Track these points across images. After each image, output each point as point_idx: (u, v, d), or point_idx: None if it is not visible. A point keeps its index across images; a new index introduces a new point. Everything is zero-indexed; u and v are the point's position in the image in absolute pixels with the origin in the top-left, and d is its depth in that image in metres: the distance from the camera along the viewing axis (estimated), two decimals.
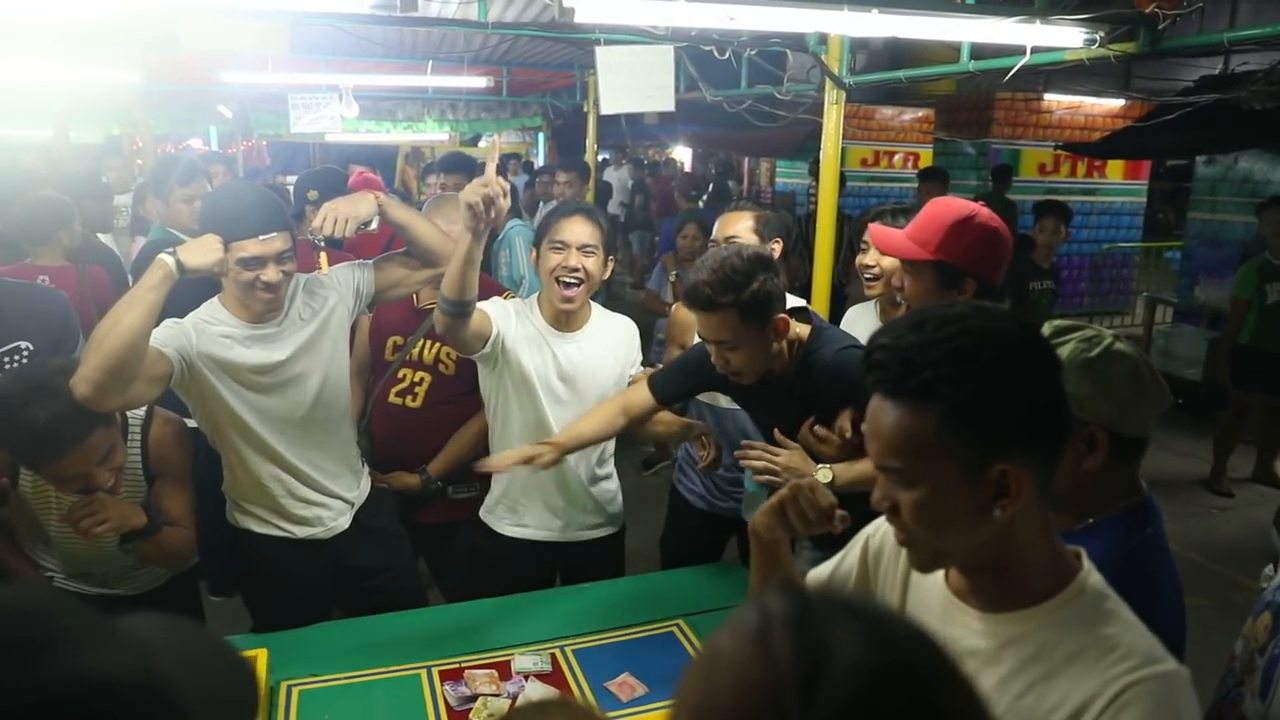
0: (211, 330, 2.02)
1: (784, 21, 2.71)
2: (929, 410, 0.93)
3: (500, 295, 2.55)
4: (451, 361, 2.60)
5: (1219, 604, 3.67)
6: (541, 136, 9.28)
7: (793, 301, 2.10)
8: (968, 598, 1.05)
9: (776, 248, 2.51)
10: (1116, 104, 8.88)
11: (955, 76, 5.21)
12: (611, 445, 2.42)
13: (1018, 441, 0.93)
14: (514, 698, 1.79)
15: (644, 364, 2.46)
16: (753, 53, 4.42)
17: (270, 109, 7.14)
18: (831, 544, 1.37)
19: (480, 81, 6.68)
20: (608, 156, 12.75)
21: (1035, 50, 2.89)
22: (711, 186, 10.72)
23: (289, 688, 1.82)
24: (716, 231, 2.54)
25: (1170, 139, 6.22)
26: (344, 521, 2.27)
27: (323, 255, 2.22)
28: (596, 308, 2.39)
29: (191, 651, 0.64)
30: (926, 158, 10.20)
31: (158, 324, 1.88)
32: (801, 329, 1.97)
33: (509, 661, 1.92)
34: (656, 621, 2.10)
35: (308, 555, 2.22)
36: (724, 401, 2.51)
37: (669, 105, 3.85)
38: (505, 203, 1.83)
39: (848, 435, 1.88)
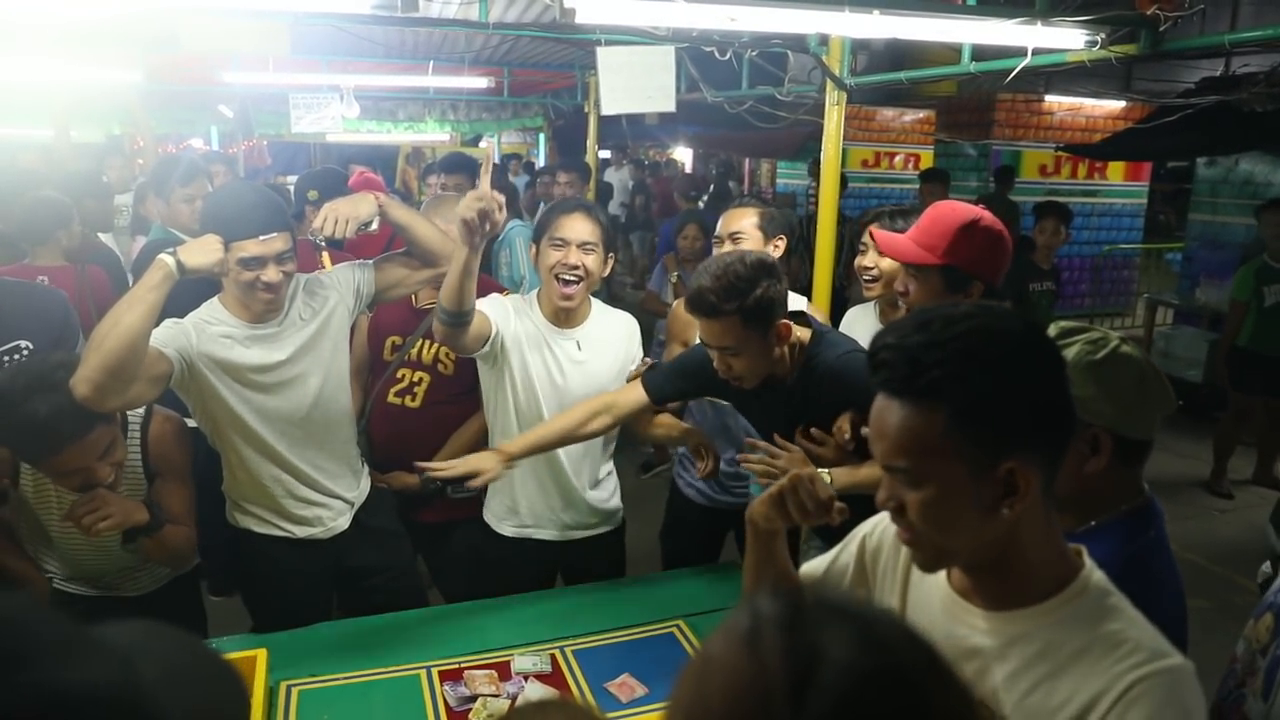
0: (212, 330, 2.02)
1: (785, 22, 2.71)
2: (936, 410, 0.93)
3: (500, 294, 2.54)
4: (450, 361, 2.60)
5: (1219, 605, 3.67)
6: (542, 137, 9.29)
7: (793, 303, 2.10)
8: (971, 596, 1.05)
9: (780, 245, 2.51)
10: (1117, 106, 8.88)
11: (956, 78, 5.21)
12: (612, 444, 2.42)
13: (1025, 439, 0.94)
14: (513, 698, 1.79)
15: None
16: (754, 54, 4.41)
17: (271, 109, 7.15)
18: (836, 540, 1.37)
19: (481, 82, 6.69)
20: (609, 157, 12.76)
21: (1036, 52, 2.89)
22: (712, 187, 10.72)
23: (288, 688, 1.81)
24: (720, 228, 2.53)
25: (1171, 141, 6.22)
26: (344, 521, 2.27)
27: (325, 255, 2.22)
28: (597, 304, 2.39)
29: (175, 659, 0.63)
30: (927, 159, 10.20)
31: (158, 324, 1.88)
32: (802, 333, 1.97)
33: (508, 662, 1.91)
34: (656, 622, 2.10)
35: (308, 555, 2.22)
36: None
37: (670, 106, 3.85)
38: (501, 215, 1.84)
39: (846, 436, 1.88)
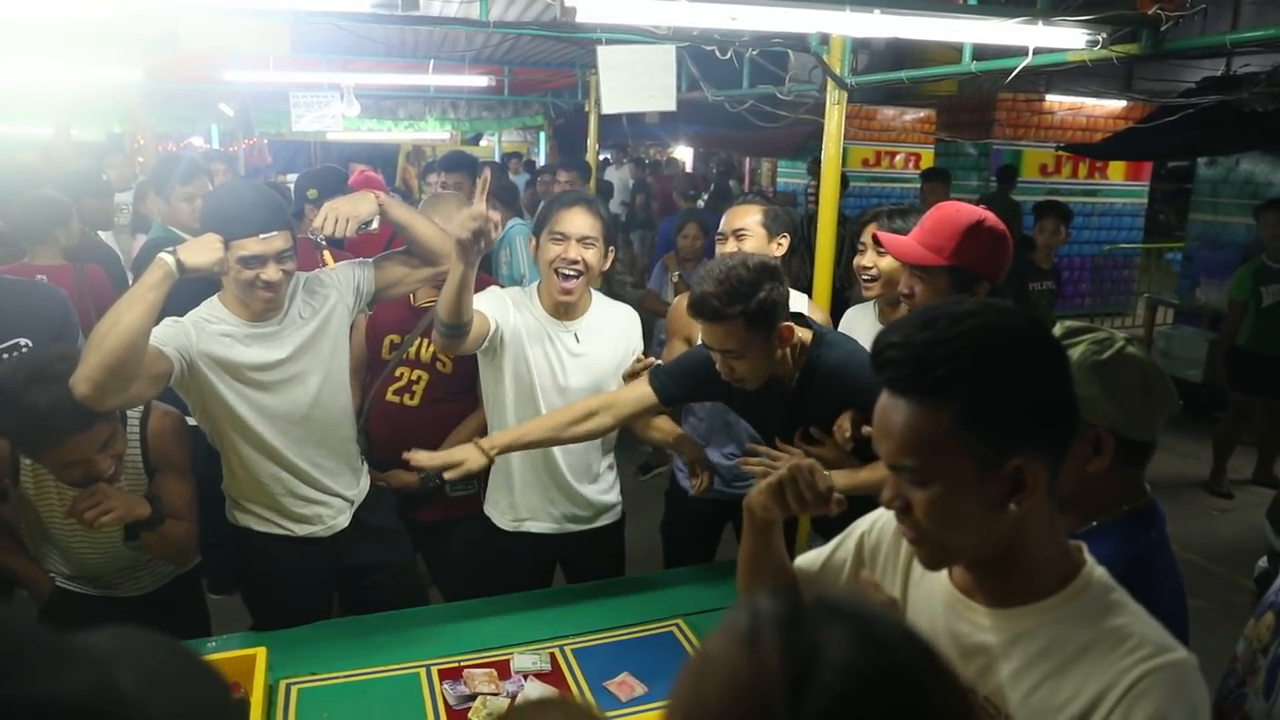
0: (211, 329, 2.02)
1: (786, 22, 2.70)
2: (943, 408, 0.93)
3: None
4: (449, 359, 2.60)
5: (1218, 605, 3.67)
6: (543, 136, 9.29)
7: (795, 303, 2.10)
8: (974, 594, 1.05)
9: (784, 243, 2.50)
10: (1118, 105, 8.88)
11: (957, 77, 5.20)
12: (613, 439, 2.41)
13: (1032, 435, 0.94)
14: (513, 697, 1.79)
15: None
16: (754, 53, 4.41)
17: (272, 107, 7.14)
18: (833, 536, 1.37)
19: (482, 80, 6.69)
20: (609, 156, 12.75)
21: (1037, 51, 2.88)
22: (713, 186, 10.72)
23: (288, 686, 1.82)
24: (724, 224, 2.52)
25: (1172, 140, 6.22)
26: (344, 520, 2.27)
27: (326, 253, 2.22)
28: (597, 296, 2.38)
29: (156, 665, 0.62)
30: (928, 158, 10.20)
31: (157, 322, 1.88)
32: (804, 334, 1.97)
33: (508, 660, 1.91)
34: (656, 621, 2.10)
35: (307, 553, 2.22)
36: None
37: (670, 105, 3.85)
38: (496, 234, 1.85)
39: (846, 434, 1.88)
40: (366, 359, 2.69)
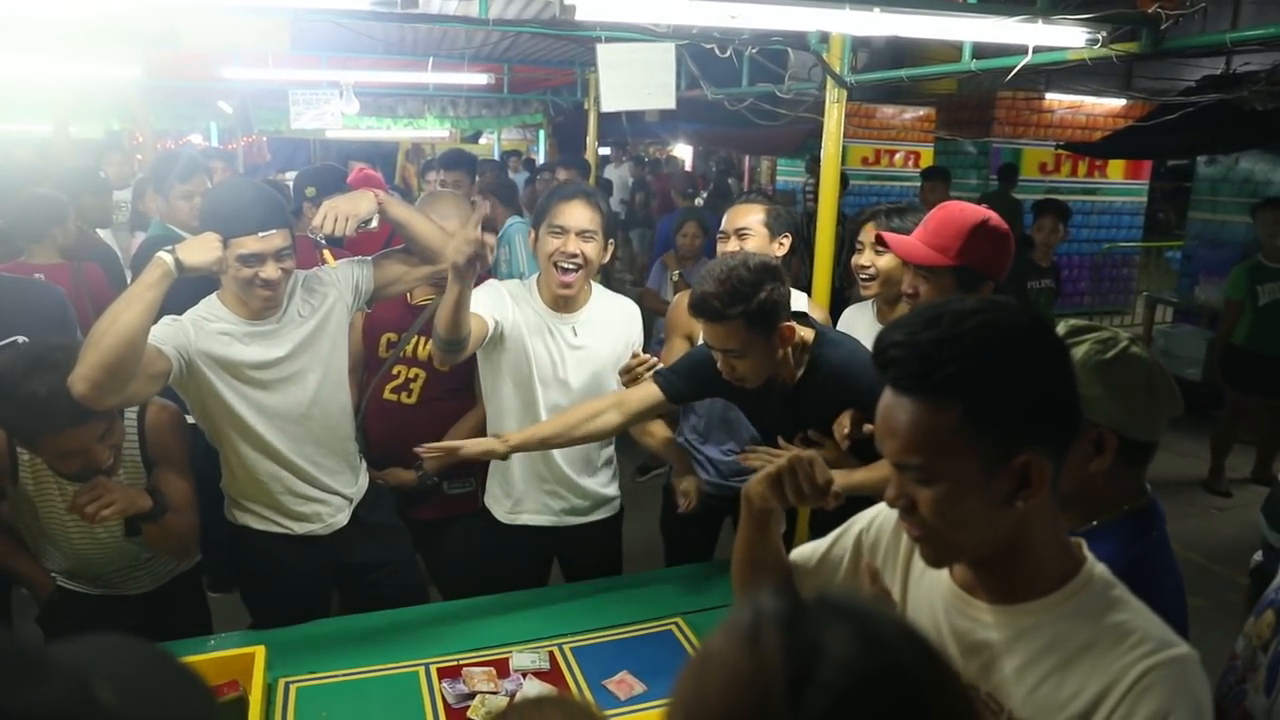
0: (210, 327, 2.02)
1: (785, 20, 2.70)
2: (949, 406, 0.92)
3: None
4: None
5: (1217, 604, 3.68)
6: (542, 133, 9.26)
7: (796, 302, 2.09)
8: (976, 591, 1.05)
9: (785, 243, 2.49)
10: (1118, 104, 8.87)
11: (957, 75, 5.20)
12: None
13: (1037, 432, 0.94)
14: (512, 695, 1.80)
15: None
16: (754, 51, 4.41)
17: (271, 105, 7.13)
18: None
19: (481, 78, 6.67)
20: (608, 154, 12.75)
21: (1037, 50, 2.88)
22: (712, 185, 10.71)
23: (287, 685, 1.82)
24: (726, 223, 2.51)
25: (1171, 139, 6.22)
26: (343, 518, 2.26)
27: (326, 252, 2.22)
28: (597, 288, 2.38)
29: (136, 674, 0.61)
30: (927, 157, 10.19)
31: (155, 321, 1.88)
32: (806, 333, 1.97)
33: (507, 659, 1.92)
34: (655, 620, 2.10)
35: (307, 552, 2.22)
36: None
37: (670, 103, 3.85)
38: (491, 257, 1.86)
39: (846, 432, 1.88)
40: (363, 357, 2.69)
